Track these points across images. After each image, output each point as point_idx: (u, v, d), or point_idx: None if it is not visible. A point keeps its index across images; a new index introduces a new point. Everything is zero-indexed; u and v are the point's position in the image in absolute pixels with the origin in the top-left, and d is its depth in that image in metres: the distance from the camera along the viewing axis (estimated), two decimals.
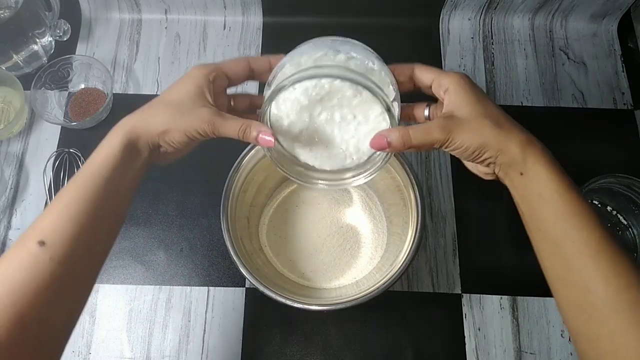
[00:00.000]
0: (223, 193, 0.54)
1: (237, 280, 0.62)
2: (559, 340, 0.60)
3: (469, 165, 0.42)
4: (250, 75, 0.43)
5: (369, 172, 0.44)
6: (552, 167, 0.36)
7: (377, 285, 0.51)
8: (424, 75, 0.41)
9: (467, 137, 0.37)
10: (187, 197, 0.66)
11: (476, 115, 0.37)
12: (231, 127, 0.39)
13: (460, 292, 0.62)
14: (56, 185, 0.65)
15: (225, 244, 0.52)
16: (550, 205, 0.36)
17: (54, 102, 0.70)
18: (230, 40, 0.76)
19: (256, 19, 0.77)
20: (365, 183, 0.63)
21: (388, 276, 0.51)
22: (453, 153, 0.39)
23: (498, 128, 0.37)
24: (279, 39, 0.76)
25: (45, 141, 0.68)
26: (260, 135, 0.39)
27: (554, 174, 0.36)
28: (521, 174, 0.37)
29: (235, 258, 0.52)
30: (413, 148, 0.38)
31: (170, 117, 0.39)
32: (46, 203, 0.64)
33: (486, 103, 0.38)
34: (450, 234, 0.64)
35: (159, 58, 0.74)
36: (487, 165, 0.39)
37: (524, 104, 0.72)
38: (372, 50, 0.42)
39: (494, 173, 0.39)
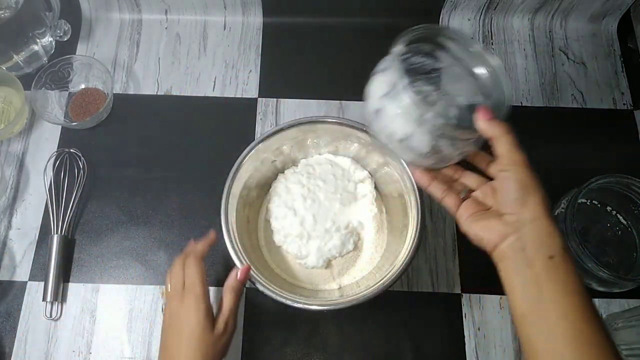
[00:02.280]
0: (223, 193, 0.54)
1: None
2: None
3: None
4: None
5: None
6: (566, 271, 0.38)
7: (377, 285, 0.51)
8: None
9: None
10: (187, 197, 0.66)
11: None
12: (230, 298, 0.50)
13: (460, 292, 0.62)
14: (56, 185, 0.65)
15: (225, 244, 0.52)
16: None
17: (54, 102, 0.70)
18: (230, 40, 0.76)
19: (256, 19, 0.77)
20: (368, 183, 0.63)
21: (388, 276, 0.51)
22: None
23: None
24: (279, 39, 0.76)
25: (46, 141, 0.69)
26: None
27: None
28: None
29: (235, 258, 0.52)
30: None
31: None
32: (46, 203, 0.64)
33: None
34: (450, 234, 0.64)
35: (159, 58, 0.74)
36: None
37: (523, 104, 0.72)
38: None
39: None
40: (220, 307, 0.49)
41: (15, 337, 0.59)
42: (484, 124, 0.41)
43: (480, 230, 0.42)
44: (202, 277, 0.49)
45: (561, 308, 0.37)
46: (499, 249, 0.40)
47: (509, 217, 0.40)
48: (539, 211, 0.39)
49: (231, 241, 0.52)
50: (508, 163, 0.40)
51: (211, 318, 0.48)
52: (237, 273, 0.50)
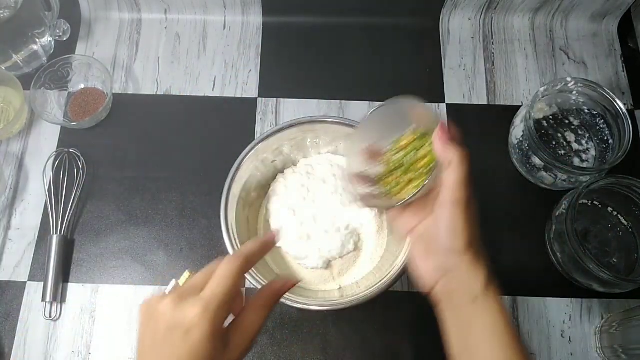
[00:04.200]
0: (223, 193, 0.54)
1: None
2: (559, 341, 0.60)
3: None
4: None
5: None
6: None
7: (377, 285, 0.51)
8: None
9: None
10: (187, 197, 0.66)
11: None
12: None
13: None
14: (56, 185, 0.65)
15: (225, 244, 0.52)
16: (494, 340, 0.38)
17: (53, 102, 0.70)
18: (230, 40, 0.75)
19: (256, 18, 0.76)
20: None
21: (388, 276, 0.51)
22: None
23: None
24: (279, 39, 0.76)
25: (45, 141, 0.68)
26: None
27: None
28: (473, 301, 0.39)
29: None
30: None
31: None
32: (46, 203, 0.64)
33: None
34: None
35: (158, 58, 0.74)
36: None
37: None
38: None
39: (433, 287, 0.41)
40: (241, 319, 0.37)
41: (14, 337, 0.59)
42: (440, 146, 0.37)
43: (419, 272, 0.42)
44: (229, 289, 0.34)
45: (487, 351, 0.38)
46: (432, 294, 0.41)
47: (437, 261, 0.40)
48: (463, 253, 0.38)
49: (231, 241, 0.52)
50: (446, 200, 0.37)
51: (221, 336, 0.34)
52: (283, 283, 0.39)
